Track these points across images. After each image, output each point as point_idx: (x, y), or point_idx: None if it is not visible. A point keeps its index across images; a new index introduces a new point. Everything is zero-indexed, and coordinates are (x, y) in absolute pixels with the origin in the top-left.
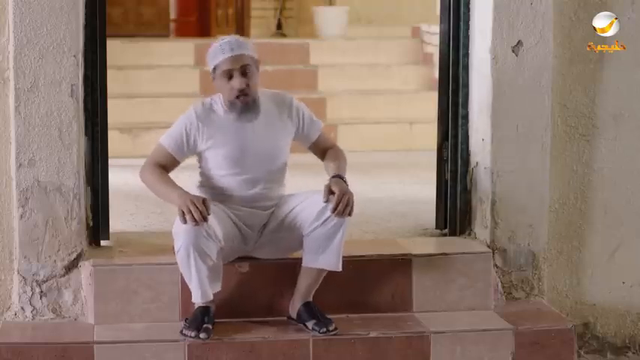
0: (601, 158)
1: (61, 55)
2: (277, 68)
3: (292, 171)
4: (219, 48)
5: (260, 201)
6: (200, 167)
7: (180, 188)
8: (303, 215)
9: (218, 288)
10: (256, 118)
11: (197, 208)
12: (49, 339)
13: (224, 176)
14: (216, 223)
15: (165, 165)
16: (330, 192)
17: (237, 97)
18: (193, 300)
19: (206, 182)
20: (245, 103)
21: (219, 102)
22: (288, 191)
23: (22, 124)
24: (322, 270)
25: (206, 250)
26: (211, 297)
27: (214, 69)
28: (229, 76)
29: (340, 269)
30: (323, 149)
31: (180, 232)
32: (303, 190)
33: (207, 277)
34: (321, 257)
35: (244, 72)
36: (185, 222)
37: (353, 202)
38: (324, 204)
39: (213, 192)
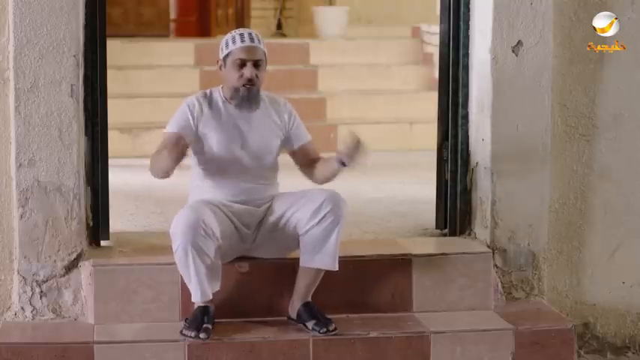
0: (601, 158)
1: (61, 55)
2: (277, 68)
3: (290, 171)
4: (238, 36)
5: (251, 196)
6: (195, 158)
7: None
8: (298, 214)
9: (217, 287)
10: (255, 109)
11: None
12: (49, 339)
13: (217, 167)
14: (214, 221)
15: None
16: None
17: (244, 85)
18: (193, 299)
19: (199, 176)
20: (248, 92)
21: (218, 93)
22: (286, 191)
23: (22, 124)
24: (319, 270)
25: (204, 249)
26: (211, 296)
27: (226, 56)
28: (242, 64)
29: (336, 269)
30: (311, 158)
31: (178, 232)
32: (300, 189)
33: (206, 276)
34: (317, 257)
35: (256, 64)
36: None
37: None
38: (320, 203)
39: (206, 185)
